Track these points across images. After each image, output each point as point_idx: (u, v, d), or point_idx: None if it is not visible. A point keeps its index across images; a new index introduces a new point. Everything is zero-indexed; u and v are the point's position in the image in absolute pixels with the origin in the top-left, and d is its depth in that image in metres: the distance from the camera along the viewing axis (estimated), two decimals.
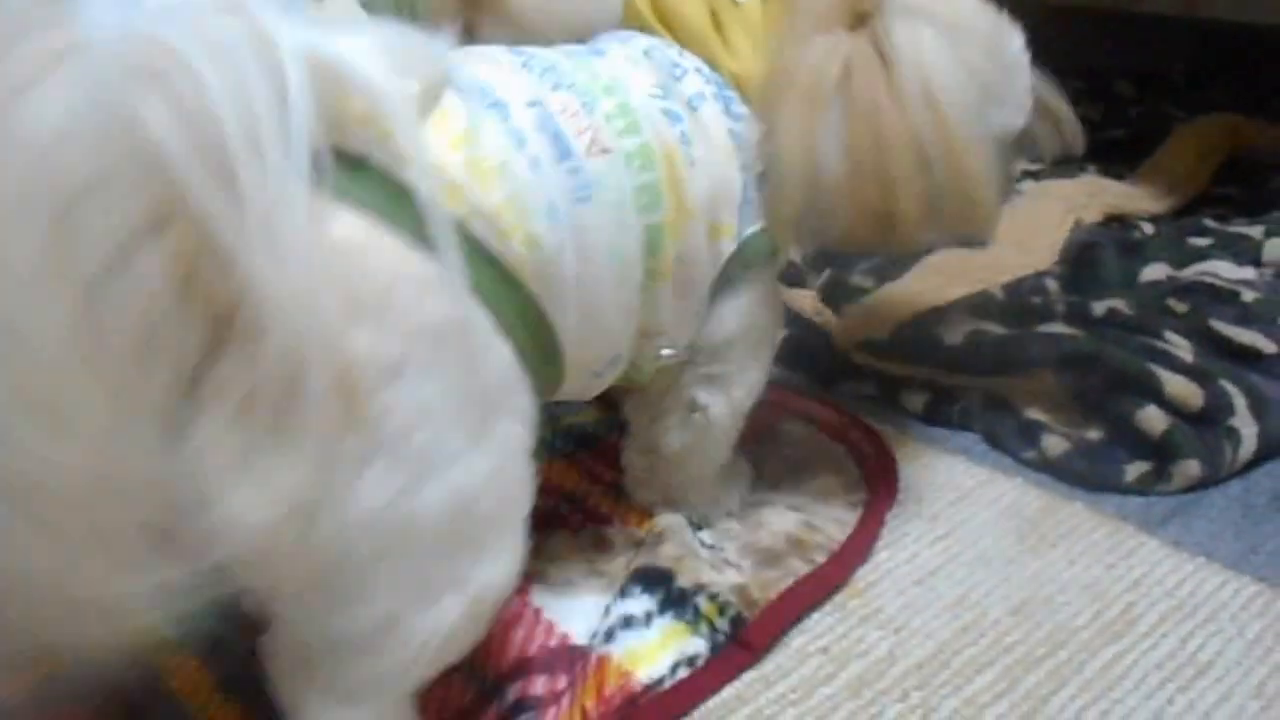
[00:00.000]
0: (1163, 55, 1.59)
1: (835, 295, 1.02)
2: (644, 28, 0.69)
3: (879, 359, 0.92)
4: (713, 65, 0.67)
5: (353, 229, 0.45)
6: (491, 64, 0.59)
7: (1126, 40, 1.62)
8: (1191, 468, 0.77)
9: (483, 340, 0.50)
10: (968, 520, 0.75)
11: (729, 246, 0.65)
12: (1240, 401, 0.82)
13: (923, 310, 0.96)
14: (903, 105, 0.61)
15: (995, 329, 0.92)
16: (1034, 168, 1.30)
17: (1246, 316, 0.93)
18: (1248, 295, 0.96)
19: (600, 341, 0.61)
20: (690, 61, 0.67)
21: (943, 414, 0.88)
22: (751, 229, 0.66)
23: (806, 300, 1.02)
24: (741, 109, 0.66)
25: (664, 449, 0.73)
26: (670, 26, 0.69)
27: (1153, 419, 0.80)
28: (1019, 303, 0.97)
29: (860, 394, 0.92)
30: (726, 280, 0.66)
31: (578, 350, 0.59)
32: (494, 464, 0.49)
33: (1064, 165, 1.27)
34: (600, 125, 0.59)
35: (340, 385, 0.42)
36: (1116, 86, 1.52)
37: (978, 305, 0.96)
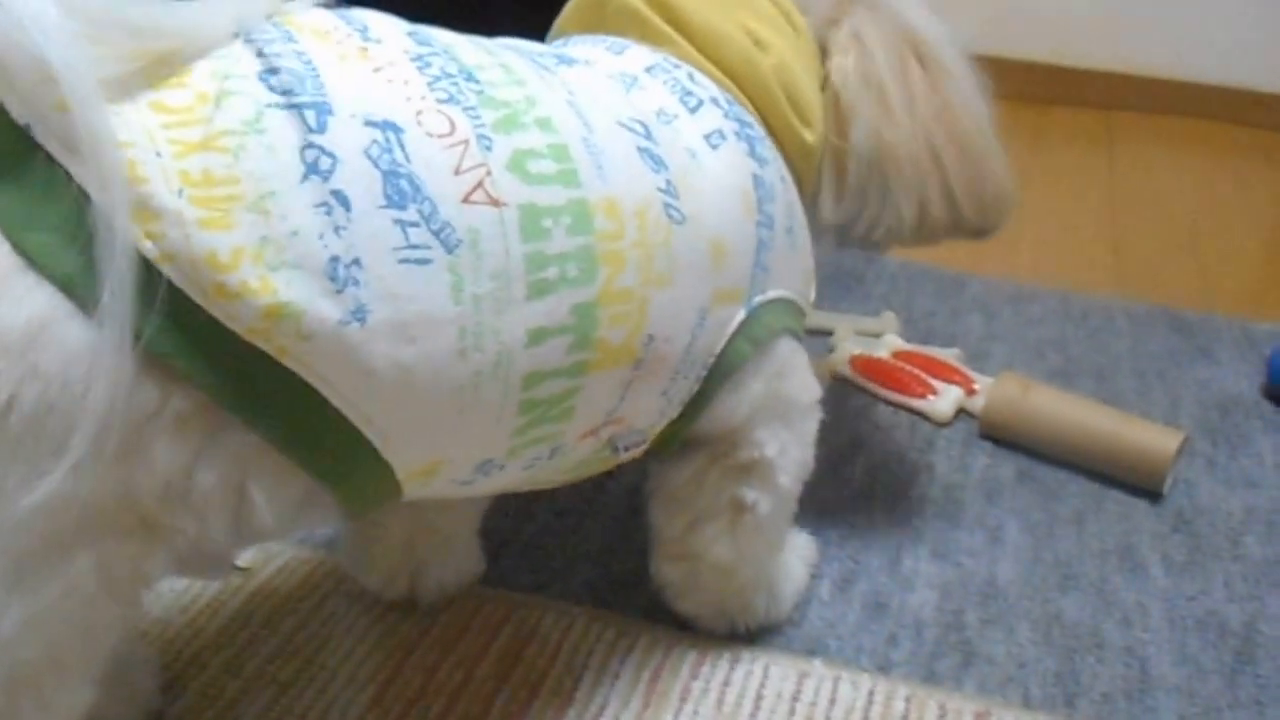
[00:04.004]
0: None
1: None
2: (642, 32, 0.57)
3: None
4: (734, 87, 0.57)
5: None
6: (357, 48, 0.43)
7: None
8: None
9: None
10: None
11: (735, 314, 0.55)
12: None
13: None
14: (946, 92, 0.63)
15: None
16: None
17: None
18: None
19: (452, 445, 0.46)
20: (706, 89, 0.56)
21: None
22: (765, 296, 0.56)
23: None
24: (769, 151, 0.57)
25: (711, 559, 0.62)
26: (684, 30, 0.58)
27: None
28: None
29: None
30: (733, 357, 0.56)
31: (411, 451, 0.45)
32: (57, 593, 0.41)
33: None
34: (496, 168, 0.44)
35: None
36: None
37: None
